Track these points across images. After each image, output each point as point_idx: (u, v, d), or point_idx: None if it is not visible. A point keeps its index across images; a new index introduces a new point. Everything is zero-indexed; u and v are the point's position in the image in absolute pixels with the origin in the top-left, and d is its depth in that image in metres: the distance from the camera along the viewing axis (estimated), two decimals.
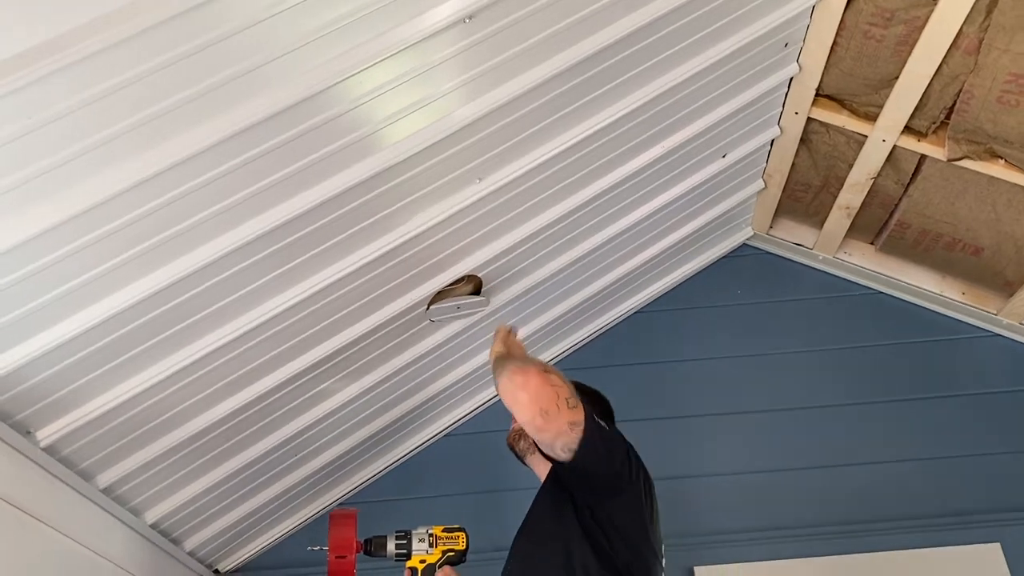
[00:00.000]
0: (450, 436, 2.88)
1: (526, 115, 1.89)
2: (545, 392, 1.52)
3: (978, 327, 2.92)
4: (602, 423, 1.62)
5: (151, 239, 1.54)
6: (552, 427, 1.52)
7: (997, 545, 2.56)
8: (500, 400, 2.86)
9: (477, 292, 2.35)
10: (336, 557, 1.82)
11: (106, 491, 1.98)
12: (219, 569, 2.68)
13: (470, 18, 1.56)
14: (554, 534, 1.68)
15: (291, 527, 2.75)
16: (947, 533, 2.59)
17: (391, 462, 2.82)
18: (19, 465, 1.70)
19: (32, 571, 1.77)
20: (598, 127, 2.07)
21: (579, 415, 1.53)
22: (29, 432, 1.71)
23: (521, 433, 1.93)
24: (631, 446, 1.71)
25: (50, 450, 1.76)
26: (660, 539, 1.75)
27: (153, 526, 2.21)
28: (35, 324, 1.53)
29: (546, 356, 2.89)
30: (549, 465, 1.74)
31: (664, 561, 1.75)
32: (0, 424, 1.61)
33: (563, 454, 1.54)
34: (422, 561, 1.84)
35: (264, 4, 1.32)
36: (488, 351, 1.90)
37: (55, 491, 1.83)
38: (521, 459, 1.95)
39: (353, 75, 1.50)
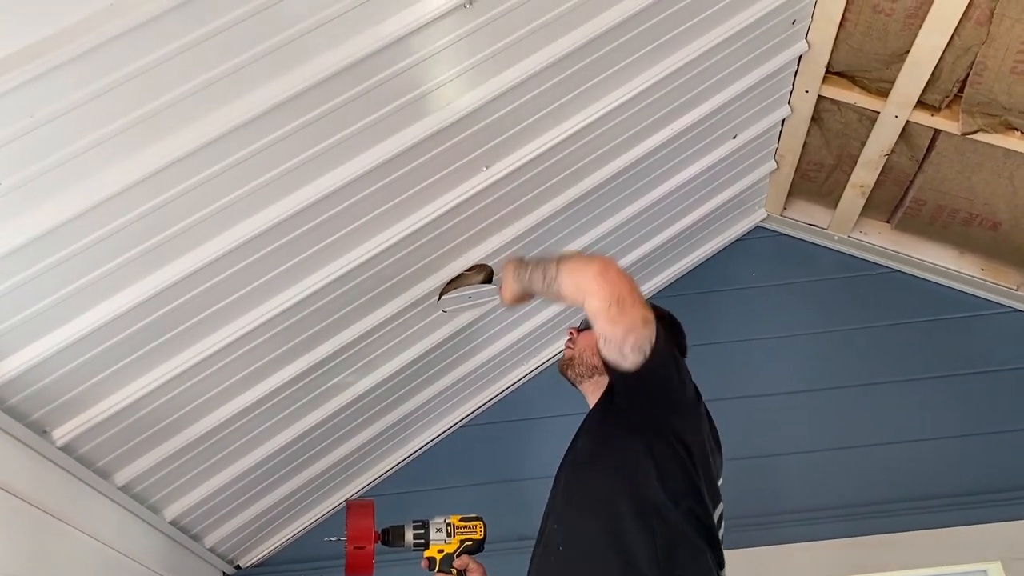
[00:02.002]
0: (467, 427, 2.88)
1: (530, 101, 1.87)
2: (622, 280, 1.43)
3: (998, 303, 2.87)
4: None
5: (158, 235, 1.54)
6: (626, 319, 1.41)
7: None
8: (517, 388, 2.88)
9: (488, 281, 2.34)
10: (354, 548, 1.82)
11: (124, 489, 1.99)
12: (240, 564, 2.69)
13: (470, 3, 1.55)
14: (611, 460, 1.60)
15: (311, 521, 2.76)
16: (973, 511, 2.57)
17: (408, 454, 2.82)
18: (37, 464, 1.71)
19: (54, 570, 1.78)
20: (604, 111, 2.05)
21: (651, 313, 1.44)
22: (45, 431, 1.72)
23: (571, 360, 1.83)
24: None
25: (67, 449, 1.77)
26: (717, 486, 1.65)
27: (173, 523, 2.23)
28: (47, 323, 1.54)
29: (559, 346, 2.87)
30: (602, 391, 1.70)
31: (722, 511, 1.65)
32: (16, 424, 1.62)
33: (632, 356, 1.43)
34: (440, 551, 1.84)
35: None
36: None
37: (73, 490, 1.84)
38: (574, 385, 1.86)
39: (355, 64, 1.49)
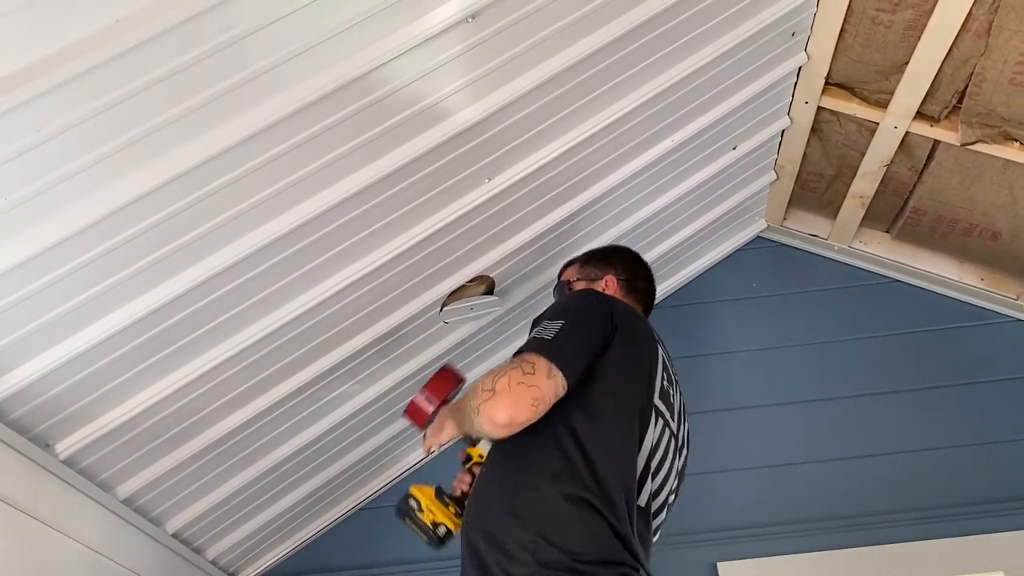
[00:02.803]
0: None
1: (532, 114, 1.88)
2: (515, 396, 1.45)
3: (998, 312, 2.88)
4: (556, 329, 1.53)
5: (161, 249, 1.55)
6: (546, 398, 1.47)
7: None
8: None
9: (490, 292, 2.35)
10: (424, 397, 1.85)
11: (127, 502, 1.99)
12: None
13: (473, 17, 1.56)
14: None
15: (312, 534, 2.75)
16: (975, 521, 2.57)
17: (410, 465, 2.82)
18: (39, 478, 1.71)
19: None
20: (606, 123, 2.06)
21: (539, 370, 1.47)
22: (48, 445, 1.72)
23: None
24: (608, 304, 1.64)
25: (69, 462, 1.77)
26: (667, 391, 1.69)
27: (175, 535, 2.22)
28: (50, 336, 1.54)
29: None
30: None
31: (676, 417, 1.70)
32: (19, 437, 1.62)
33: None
34: (481, 456, 1.82)
35: (270, 12, 1.33)
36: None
37: (76, 503, 1.84)
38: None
39: (359, 77, 1.50)
